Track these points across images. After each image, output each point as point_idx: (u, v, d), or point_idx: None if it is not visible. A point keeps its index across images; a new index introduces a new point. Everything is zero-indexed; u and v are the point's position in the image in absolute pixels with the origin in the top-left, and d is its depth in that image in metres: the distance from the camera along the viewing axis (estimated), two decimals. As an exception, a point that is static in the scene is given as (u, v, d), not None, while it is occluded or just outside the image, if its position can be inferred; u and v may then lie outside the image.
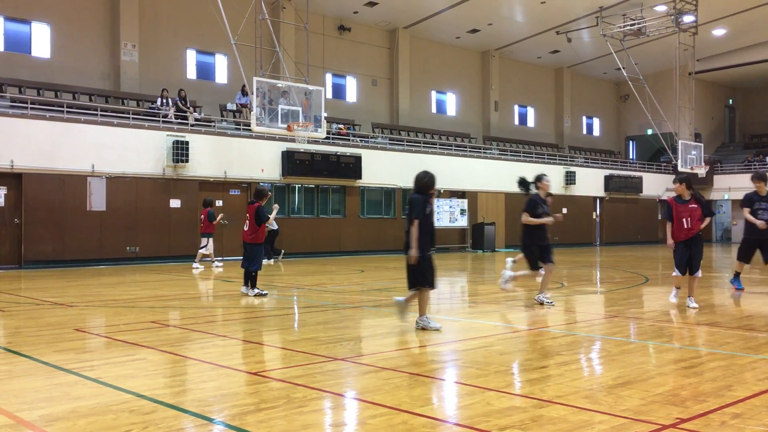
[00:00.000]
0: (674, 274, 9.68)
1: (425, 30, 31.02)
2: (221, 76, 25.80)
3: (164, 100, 21.50)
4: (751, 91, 43.69)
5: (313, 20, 23.05)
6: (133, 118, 20.37)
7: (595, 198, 33.88)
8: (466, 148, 30.09)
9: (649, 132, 36.69)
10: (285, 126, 18.92)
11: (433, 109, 32.94)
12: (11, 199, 18.01)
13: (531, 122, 37.70)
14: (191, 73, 25.05)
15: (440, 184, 31.20)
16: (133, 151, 19.71)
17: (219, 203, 21.13)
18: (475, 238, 27.39)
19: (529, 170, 30.36)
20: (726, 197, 37.87)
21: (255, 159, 22.12)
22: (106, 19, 22.97)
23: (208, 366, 5.89)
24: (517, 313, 9.44)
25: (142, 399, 4.71)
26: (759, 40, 34.85)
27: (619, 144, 42.47)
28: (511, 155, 31.34)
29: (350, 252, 24.41)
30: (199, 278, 15.09)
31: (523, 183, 9.92)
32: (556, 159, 33.39)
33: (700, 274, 9.63)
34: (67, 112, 19.25)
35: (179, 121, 21.24)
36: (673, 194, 9.61)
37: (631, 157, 42.30)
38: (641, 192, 35.85)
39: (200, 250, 17.45)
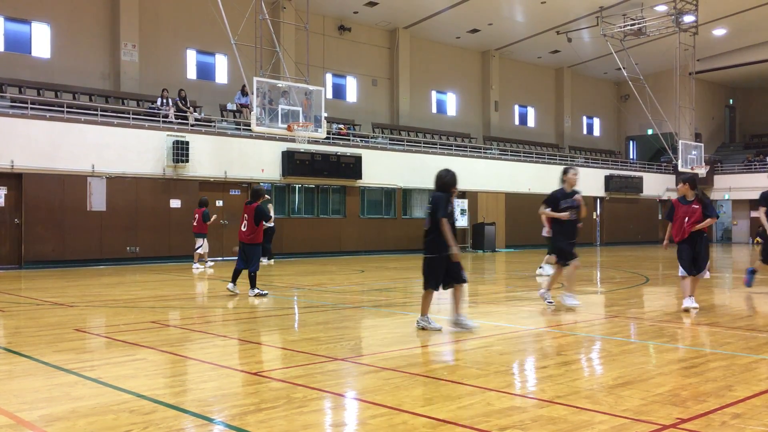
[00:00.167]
0: (681, 274, 9.11)
1: (425, 30, 31.02)
2: (221, 76, 25.80)
3: (164, 100, 21.50)
4: (751, 91, 43.69)
5: (313, 20, 23.05)
6: (133, 118, 20.37)
7: (595, 198, 33.86)
8: (466, 148, 30.09)
9: (650, 132, 36.69)
10: (285, 126, 18.92)
11: (434, 109, 32.94)
12: (11, 200, 18.01)
13: (531, 122, 37.69)
14: (191, 73, 25.05)
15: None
16: (133, 151, 19.71)
17: (219, 203, 21.16)
18: (476, 238, 27.38)
19: (530, 170, 30.63)
20: (726, 197, 37.87)
21: (255, 159, 22.12)
22: (106, 19, 22.97)
23: (209, 366, 5.89)
24: (518, 313, 9.44)
25: (143, 399, 4.70)
26: (759, 40, 34.85)
27: (619, 144, 42.47)
28: (511, 155, 31.34)
29: (350, 252, 24.40)
30: (199, 278, 15.10)
31: (564, 172, 9.56)
32: (556, 159, 33.37)
33: (707, 275, 9.43)
34: (67, 112, 19.25)
35: (179, 121, 21.24)
36: (674, 195, 9.53)
37: (631, 157, 42.30)
38: (641, 192, 35.84)
39: (197, 251, 17.46)
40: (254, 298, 10.76)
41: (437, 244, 7.39)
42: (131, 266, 18.69)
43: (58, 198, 18.44)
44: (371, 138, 26.91)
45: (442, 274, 7.46)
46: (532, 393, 4.97)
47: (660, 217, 36.75)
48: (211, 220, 17.40)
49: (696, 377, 5.37)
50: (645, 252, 27.14)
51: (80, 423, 4.15)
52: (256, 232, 10.99)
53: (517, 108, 36.92)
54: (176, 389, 5.16)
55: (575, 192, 9.50)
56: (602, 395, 4.81)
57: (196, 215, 17.33)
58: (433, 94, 32.94)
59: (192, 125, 21.42)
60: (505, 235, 29.21)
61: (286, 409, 4.46)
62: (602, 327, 8.15)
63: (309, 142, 21.56)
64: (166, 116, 21.04)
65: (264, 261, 18.85)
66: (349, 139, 25.56)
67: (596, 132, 41.65)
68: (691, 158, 30.92)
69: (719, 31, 33.56)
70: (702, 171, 31.54)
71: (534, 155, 32.64)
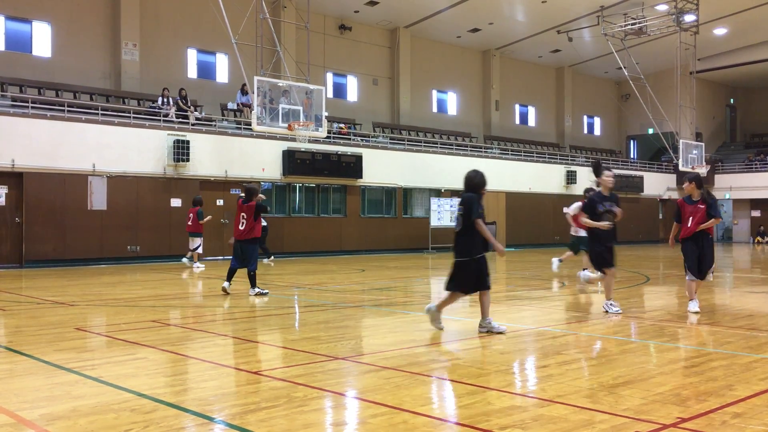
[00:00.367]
0: (688, 278, 8.92)
1: (426, 29, 31.02)
2: (222, 75, 25.80)
3: (165, 100, 21.51)
4: (752, 91, 43.67)
5: (313, 19, 23.06)
6: (133, 118, 20.38)
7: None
8: (466, 147, 30.09)
9: (650, 131, 36.67)
10: (286, 125, 18.93)
11: (434, 109, 32.94)
12: (12, 199, 18.02)
13: (532, 121, 37.68)
14: (192, 73, 25.06)
15: (441, 183, 30.98)
16: (134, 150, 19.72)
17: (220, 202, 21.16)
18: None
19: (530, 170, 30.62)
20: (727, 196, 37.84)
21: (256, 158, 22.12)
22: (106, 19, 22.97)
23: (209, 365, 5.89)
24: (518, 312, 9.44)
25: (143, 398, 4.71)
26: (760, 40, 34.84)
27: (620, 143, 42.46)
28: (512, 155, 31.33)
29: (351, 251, 24.41)
30: (200, 277, 15.10)
31: (597, 167, 9.00)
32: (557, 158, 33.38)
33: (711, 278, 9.24)
34: (68, 111, 19.26)
35: (180, 120, 21.24)
36: (674, 194, 9.46)
37: (632, 156, 42.29)
38: (642, 191, 35.82)
39: (197, 250, 17.46)
40: (255, 298, 10.76)
41: (470, 247, 7.22)
42: (132, 265, 18.71)
43: (59, 197, 18.45)
44: (372, 137, 26.91)
45: (474, 277, 7.23)
46: (533, 392, 4.97)
47: (661, 216, 36.75)
48: (205, 219, 17.37)
49: (696, 376, 5.37)
50: (646, 251, 27.14)
51: (81, 422, 4.16)
52: (254, 228, 10.97)
53: (517, 107, 36.91)
54: (177, 388, 5.16)
55: (613, 195, 8.89)
56: (602, 394, 4.81)
57: (191, 215, 17.33)
58: (434, 93, 32.93)
59: (193, 124, 21.43)
60: (506, 234, 29.18)
61: (286, 408, 4.46)
62: (603, 326, 8.15)
63: (309, 141, 21.56)
64: (167, 115, 21.05)
65: (265, 260, 18.88)
66: (349, 139, 25.57)
67: (597, 131, 41.64)
68: (692, 158, 30.92)
69: (720, 31, 33.55)
70: (703, 170, 31.52)
71: (534, 155, 32.63)
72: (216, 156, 21.26)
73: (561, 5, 29.22)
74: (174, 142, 20.08)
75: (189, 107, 21.99)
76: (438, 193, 27.13)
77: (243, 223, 10.96)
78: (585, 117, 40.84)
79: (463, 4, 28.36)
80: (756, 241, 36.80)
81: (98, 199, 19.08)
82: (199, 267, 17.10)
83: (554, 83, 38.68)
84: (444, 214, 26.35)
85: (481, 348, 6.68)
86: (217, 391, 5.03)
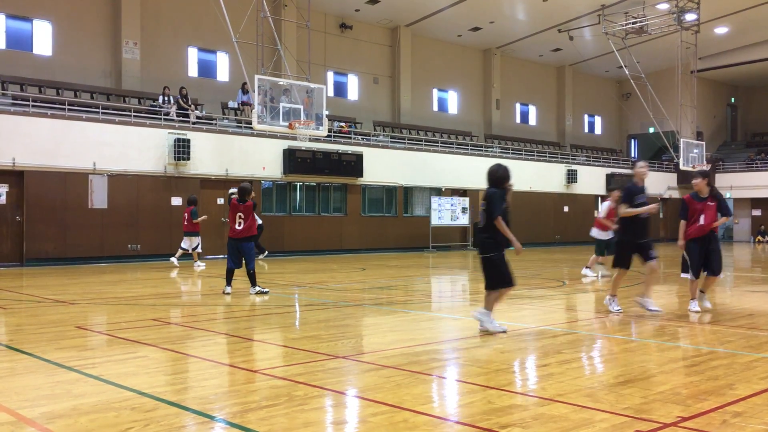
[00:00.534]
0: (690, 278, 8.86)
1: (427, 28, 31.00)
2: (223, 74, 25.79)
3: (166, 98, 21.51)
4: (753, 90, 43.64)
5: (314, 18, 23.04)
6: (134, 116, 20.38)
7: (596, 196, 33.84)
8: (467, 146, 30.08)
9: (651, 130, 36.65)
10: (286, 124, 18.92)
11: (435, 107, 32.92)
12: (13, 197, 18.02)
13: (533, 120, 37.66)
14: (193, 71, 25.05)
15: (441, 182, 30.96)
16: (134, 148, 19.72)
17: (220, 201, 21.17)
18: (477, 237, 27.38)
19: (531, 169, 30.59)
20: (728, 195, 37.77)
21: (256, 157, 22.12)
22: (107, 17, 22.97)
23: (210, 363, 5.89)
24: (519, 311, 9.44)
25: (144, 396, 4.71)
26: (761, 39, 34.80)
27: (620, 142, 42.43)
28: (512, 153, 31.32)
29: (352, 250, 24.41)
30: (200, 276, 15.11)
31: (633, 164, 8.93)
32: (557, 157, 33.36)
33: (722, 275, 9.17)
34: (69, 109, 19.27)
35: (181, 119, 21.25)
36: (675, 193, 9.39)
37: (632, 155, 42.26)
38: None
39: (197, 249, 17.47)
40: (255, 296, 10.77)
41: (496, 243, 7.43)
42: (132, 264, 18.71)
43: (60, 196, 18.46)
44: (372, 136, 26.90)
45: (508, 268, 7.42)
46: (533, 391, 4.97)
47: (661, 215, 36.72)
48: (200, 219, 17.34)
49: (697, 376, 5.37)
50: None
51: (82, 420, 4.16)
52: (252, 227, 11.04)
53: (518, 106, 36.89)
54: (177, 387, 5.17)
55: (643, 188, 8.80)
56: (603, 393, 4.81)
57: (186, 214, 17.33)
58: (435, 92, 32.91)
59: (193, 123, 21.44)
60: (506, 233, 29.16)
61: (287, 407, 4.46)
62: (603, 325, 8.15)
63: (310, 140, 21.56)
64: (168, 114, 21.05)
65: (260, 257, 18.90)
66: (350, 137, 25.56)
67: (597, 130, 41.61)
68: (693, 157, 30.89)
69: (721, 30, 33.51)
70: (703, 170, 31.47)
71: (535, 153, 32.61)
72: (216, 155, 21.27)
73: (562, 4, 29.20)
74: (174, 141, 20.08)
75: (190, 106, 21.99)
76: (438, 191, 27.13)
77: (240, 222, 11.00)
78: (586, 116, 40.82)
79: (463, 2, 28.34)
80: (757, 240, 36.79)
81: (99, 197, 19.08)
82: (199, 266, 17.10)
83: (555, 82, 38.66)
84: (444, 213, 26.35)
85: (481, 346, 6.68)
86: (217, 389, 5.03)
